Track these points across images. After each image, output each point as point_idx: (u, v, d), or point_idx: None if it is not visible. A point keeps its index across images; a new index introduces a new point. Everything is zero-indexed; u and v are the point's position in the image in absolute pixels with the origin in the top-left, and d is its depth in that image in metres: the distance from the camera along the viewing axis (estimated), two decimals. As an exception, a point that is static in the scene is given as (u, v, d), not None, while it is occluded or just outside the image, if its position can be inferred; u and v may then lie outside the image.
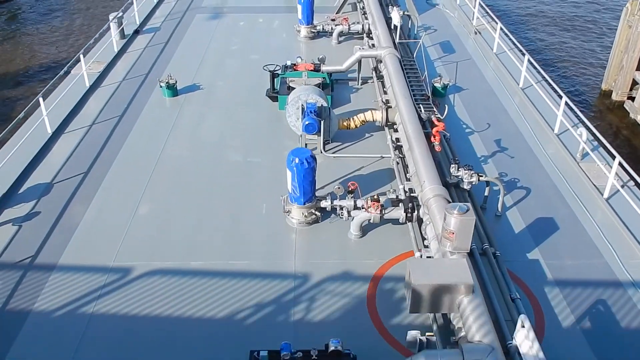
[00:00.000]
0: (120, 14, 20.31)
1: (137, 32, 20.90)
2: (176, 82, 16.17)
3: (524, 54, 17.28)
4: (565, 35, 33.91)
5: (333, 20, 20.19)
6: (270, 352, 7.78)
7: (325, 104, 13.51)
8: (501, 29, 19.00)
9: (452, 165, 11.34)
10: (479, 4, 21.35)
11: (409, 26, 20.50)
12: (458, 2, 23.84)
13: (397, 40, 17.51)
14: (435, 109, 14.09)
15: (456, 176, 11.23)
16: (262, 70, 16.64)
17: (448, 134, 13.14)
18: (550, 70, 28.55)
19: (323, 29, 20.01)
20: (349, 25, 19.63)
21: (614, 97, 26.37)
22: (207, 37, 20.51)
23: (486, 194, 11.62)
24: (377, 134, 14.34)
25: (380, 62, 16.27)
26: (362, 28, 19.66)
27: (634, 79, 25.50)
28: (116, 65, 18.37)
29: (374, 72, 16.92)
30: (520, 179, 12.81)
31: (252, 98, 16.15)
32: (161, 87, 16.05)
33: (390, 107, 14.13)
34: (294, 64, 16.38)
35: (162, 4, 23.85)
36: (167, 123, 14.97)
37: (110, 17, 20.03)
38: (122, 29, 20.24)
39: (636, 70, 25.21)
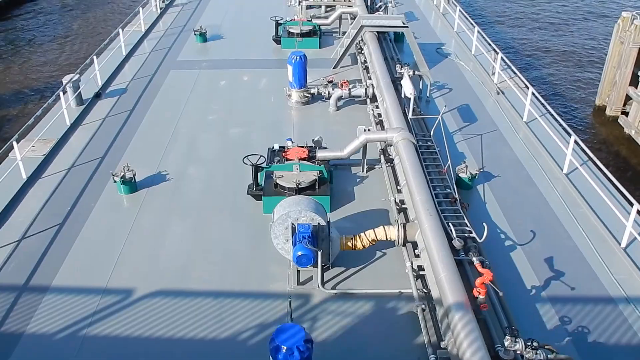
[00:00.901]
0: (77, 76, 17.02)
1: (98, 95, 17.62)
2: (134, 175, 12.81)
3: (569, 135, 13.99)
4: (559, 54, 34.44)
5: (330, 82, 16.91)
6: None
7: (323, 222, 10.15)
8: (532, 93, 15.80)
9: (506, 338, 7.97)
10: (501, 58, 18.17)
11: (420, 86, 17.28)
12: (473, 51, 20.70)
13: (410, 115, 14.28)
14: (467, 222, 10.81)
15: (514, 351, 7.88)
16: (242, 154, 13.49)
17: (501, 292, 9.39)
18: (547, 95, 28.84)
19: (318, 92, 16.74)
20: (349, 89, 16.35)
21: (608, 112, 26.71)
22: (181, 101, 17.21)
23: None
24: (393, 253, 10.99)
25: (391, 145, 13.02)
26: (365, 92, 16.40)
27: (627, 94, 25.76)
28: (66, 144, 15.05)
29: (382, 155, 13.68)
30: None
31: (230, 196, 12.75)
32: (115, 182, 12.70)
33: (407, 222, 10.86)
34: (283, 149, 13.13)
35: (131, 58, 20.62)
36: (121, 233, 11.63)
37: (65, 81, 16.76)
38: (80, 93, 16.99)
39: (629, 85, 25.48)
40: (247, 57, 20.55)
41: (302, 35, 21.11)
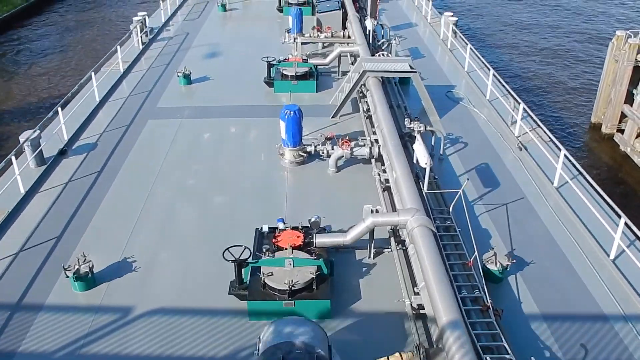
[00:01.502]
0: (37, 131, 14.79)
1: (62, 153, 15.38)
2: (91, 268, 10.50)
3: (615, 212, 11.92)
4: (553, 68, 35.31)
5: (329, 138, 14.67)
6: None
7: (323, 352, 7.85)
8: (564, 155, 13.62)
9: None
10: (523, 108, 16.02)
11: (432, 142, 15.10)
12: (488, 96, 18.58)
13: (425, 189, 12.05)
14: (504, 338, 8.54)
15: None
16: (226, 234, 11.32)
17: None
18: (540, 102, 30.21)
19: (315, 149, 14.52)
20: (351, 149, 14.12)
21: (604, 129, 27.19)
22: (158, 159, 14.96)
23: None
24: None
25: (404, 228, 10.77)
26: (370, 151, 14.18)
27: (622, 112, 26.08)
28: (18, 217, 12.76)
29: (392, 237, 11.44)
30: None
31: (208, 294, 10.34)
32: (67, 277, 10.40)
33: (430, 342, 8.59)
34: (274, 231, 10.90)
35: (106, 104, 18.41)
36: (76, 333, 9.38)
37: (22, 139, 14.53)
38: (41, 151, 14.76)
39: (624, 103, 25.80)
40: (235, 103, 18.35)
41: (297, 77, 18.98)
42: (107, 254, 11.28)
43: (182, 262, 11.19)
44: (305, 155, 14.56)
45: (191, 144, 15.81)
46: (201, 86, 19.67)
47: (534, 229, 12.37)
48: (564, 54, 37.86)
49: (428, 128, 14.69)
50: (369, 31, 21.43)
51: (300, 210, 12.51)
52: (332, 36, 22.93)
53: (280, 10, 28.61)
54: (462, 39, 23.79)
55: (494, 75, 18.36)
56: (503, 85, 18.68)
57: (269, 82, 19.32)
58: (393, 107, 16.90)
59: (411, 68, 16.94)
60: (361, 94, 17.71)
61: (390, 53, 21.13)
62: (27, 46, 39.04)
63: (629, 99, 25.78)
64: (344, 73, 20.39)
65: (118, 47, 20.73)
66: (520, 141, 15.75)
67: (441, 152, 15.04)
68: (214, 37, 25.04)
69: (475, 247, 10.50)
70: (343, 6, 25.62)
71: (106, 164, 14.87)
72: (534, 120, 16.28)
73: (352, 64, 20.64)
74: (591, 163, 25.45)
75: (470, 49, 20.88)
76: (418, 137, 12.71)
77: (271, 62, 19.35)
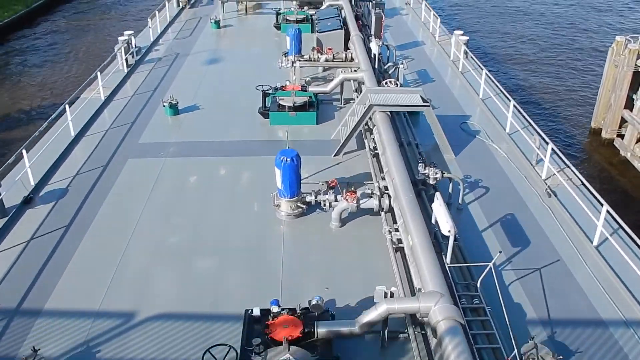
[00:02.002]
0: (-4, 180, 12.94)
1: (28, 201, 13.47)
2: (43, 365, 8.63)
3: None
4: (553, 75, 35.41)
5: (331, 187, 12.70)
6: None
7: None
8: (607, 210, 11.70)
9: None
10: (552, 150, 14.11)
11: (450, 189, 13.18)
12: (507, 129, 16.71)
13: (448, 261, 10.13)
14: None
15: None
16: (209, 315, 9.48)
17: None
18: (540, 111, 30.21)
19: (316, 199, 12.60)
20: (357, 201, 12.18)
21: (604, 134, 27.27)
22: (135, 210, 13.04)
23: None
24: None
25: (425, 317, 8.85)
26: (379, 204, 12.23)
27: (622, 117, 26.14)
28: None
29: (411, 326, 9.51)
30: None
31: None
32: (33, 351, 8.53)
33: None
34: (267, 315, 9.00)
35: (81, 139, 16.52)
36: None
37: (-21, 188, 12.67)
38: (1, 200, 12.86)
39: (624, 108, 25.84)
40: (226, 138, 16.45)
41: (296, 108, 17.10)
42: (65, 343, 9.37)
43: (155, 353, 9.27)
44: (304, 207, 12.64)
45: (175, 189, 13.89)
46: (189, 117, 17.78)
47: (575, 302, 10.47)
48: (563, 59, 37.96)
49: (445, 175, 12.79)
50: (374, 55, 19.57)
51: (299, 282, 10.62)
52: (333, 58, 21.11)
53: (278, 28, 26.78)
54: (474, 60, 21.95)
55: (514, 106, 16.47)
56: (523, 116, 16.83)
57: (264, 112, 17.45)
58: (403, 145, 15.05)
59: (423, 101, 15.08)
60: (367, 128, 15.83)
61: (398, 78, 19.30)
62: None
63: (629, 104, 25.78)
64: (347, 101, 18.65)
65: (98, 73, 18.82)
66: (548, 186, 13.85)
67: (460, 201, 13.13)
68: (205, 58, 23.18)
69: (512, 336, 8.57)
70: (345, 24, 23.80)
71: (77, 214, 12.96)
72: (562, 160, 14.42)
73: (356, 90, 18.84)
74: (591, 168, 25.80)
75: (486, 74, 19.01)
76: (438, 197, 10.74)
77: (267, 92, 17.47)
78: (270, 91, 17.56)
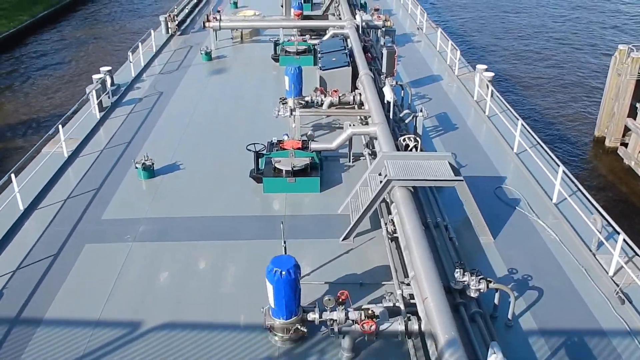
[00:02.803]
0: None
1: (-52, 312, 10.50)
2: None
3: None
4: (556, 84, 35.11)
5: (341, 301, 9.53)
6: None
7: None
8: None
9: None
10: (623, 239, 11.05)
11: (496, 300, 10.09)
12: (555, 198, 13.66)
13: None
14: None
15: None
16: None
17: None
18: (543, 117, 30.43)
19: (320, 318, 9.48)
20: (376, 326, 9.05)
21: (607, 143, 27.12)
22: (83, 332, 9.98)
23: None
24: None
25: None
26: (406, 329, 9.08)
27: (625, 126, 26.09)
28: None
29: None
30: None
31: None
32: None
33: None
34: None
35: (29, 217, 13.47)
36: None
37: None
38: None
39: (627, 117, 25.75)
40: (209, 212, 13.42)
41: (295, 173, 14.07)
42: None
43: None
44: (304, 330, 9.56)
45: (138, 294, 10.82)
46: (166, 182, 14.76)
47: None
48: (566, 66, 37.85)
49: (492, 285, 9.72)
50: (387, 102, 16.57)
51: None
52: (339, 101, 18.19)
53: (276, 59, 23.81)
54: (501, 101, 18.97)
55: (564, 172, 13.43)
56: (573, 182, 13.79)
57: (258, 176, 14.46)
58: (429, 227, 12.04)
59: (454, 170, 12.05)
60: (382, 201, 12.78)
61: (416, 128, 16.31)
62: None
63: (632, 113, 25.65)
64: (357, 157, 15.66)
65: (60, 127, 15.82)
66: (620, 289, 10.77)
67: (510, 316, 10.05)
68: (192, 98, 20.20)
69: None
70: (352, 57, 20.87)
71: (8, 334, 9.93)
72: (632, 248, 11.36)
73: (367, 145, 15.86)
74: (595, 177, 25.68)
75: (522, 125, 15.98)
76: (495, 351, 7.63)
77: (260, 152, 14.47)
78: (264, 151, 14.56)
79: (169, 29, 28.03)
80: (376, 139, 14.92)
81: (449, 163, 12.38)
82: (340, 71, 19.16)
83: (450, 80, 22.32)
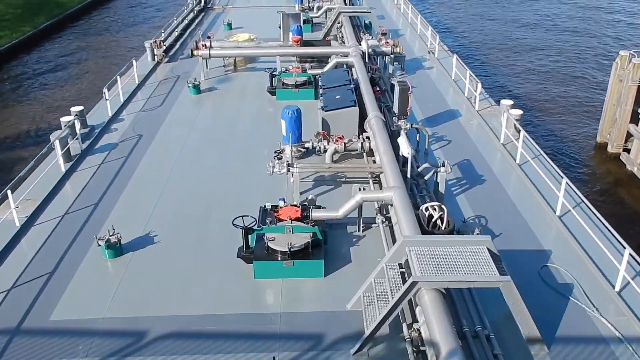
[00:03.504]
0: None
1: None
2: None
3: None
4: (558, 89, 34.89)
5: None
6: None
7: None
8: None
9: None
10: None
11: None
12: (617, 286, 10.95)
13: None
14: None
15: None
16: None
17: None
18: (545, 123, 30.24)
19: None
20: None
21: (610, 149, 27.01)
22: None
23: None
24: None
25: None
26: None
27: (628, 131, 25.99)
28: None
29: None
30: None
31: None
32: None
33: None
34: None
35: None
36: None
37: None
38: None
39: (630, 123, 25.72)
40: (187, 310, 10.68)
41: (293, 254, 11.34)
42: None
43: None
44: None
45: None
46: (135, 262, 12.03)
47: None
48: (567, 73, 37.36)
49: None
50: (402, 155, 13.90)
51: None
52: (344, 149, 15.60)
53: (272, 92, 21.18)
54: (533, 145, 16.34)
55: (630, 254, 10.72)
56: (633, 258, 11.09)
57: (247, 256, 11.76)
58: (466, 338, 9.34)
59: (494, 261, 9.36)
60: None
61: (438, 184, 13.67)
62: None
63: (635, 119, 25.70)
64: (368, 225, 12.98)
65: (9, 192, 13.15)
66: None
67: None
68: (175, 143, 17.54)
69: None
70: (357, 88, 18.29)
71: None
72: None
73: (381, 211, 13.15)
74: (597, 183, 25.40)
75: (567, 183, 13.29)
76: None
77: (250, 226, 11.76)
78: (254, 225, 11.85)
79: (155, 56, 25.44)
80: (391, 205, 12.27)
81: (488, 249, 9.71)
82: (346, 112, 16.52)
83: (470, 115, 19.66)
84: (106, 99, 19.37)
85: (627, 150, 26.15)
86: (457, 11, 53.69)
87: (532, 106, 32.24)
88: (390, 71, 23.38)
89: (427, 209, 11.81)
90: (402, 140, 13.72)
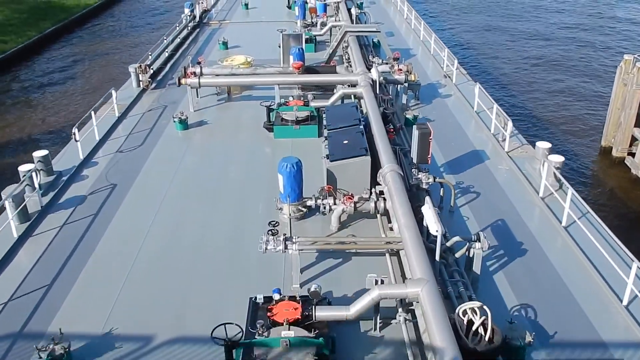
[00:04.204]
0: None
1: None
2: None
3: None
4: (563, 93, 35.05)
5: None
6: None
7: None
8: None
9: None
10: None
11: None
12: None
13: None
14: None
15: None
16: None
17: None
18: (550, 129, 30.23)
19: None
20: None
21: (614, 153, 26.93)
22: None
23: None
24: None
25: None
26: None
27: (632, 135, 26.06)
28: None
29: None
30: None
31: None
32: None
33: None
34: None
35: None
36: None
37: None
38: None
39: (634, 126, 25.78)
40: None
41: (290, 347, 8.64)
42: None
43: None
44: None
45: None
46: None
47: None
48: (571, 78, 37.29)
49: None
50: (426, 225, 11.17)
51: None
52: (354, 210, 12.95)
53: (270, 129, 18.48)
54: (577, 199, 13.65)
55: None
56: None
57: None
58: None
59: None
60: None
61: (472, 261, 10.99)
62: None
63: (639, 122, 25.68)
64: (386, 321, 10.26)
65: None
66: None
67: None
68: (153, 198, 14.79)
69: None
70: (367, 128, 15.69)
71: None
72: None
73: (402, 304, 10.42)
74: (602, 187, 25.53)
75: (638, 267, 10.54)
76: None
77: (234, 342, 9.01)
78: (239, 339, 9.10)
79: (140, 82, 22.82)
80: (417, 302, 9.58)
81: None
82: (356, 163, 13.81)
83: (498, 158, 16.93)
84: (76, 140, 16.68)
85: (632, 154, 26.05)
86: (450, 16, 53.79)
87: (534, 108, 32.60)
88: (404, 101, 20.70)
89: (465, 312, 9.09)
90: (429, 213, 10.96)
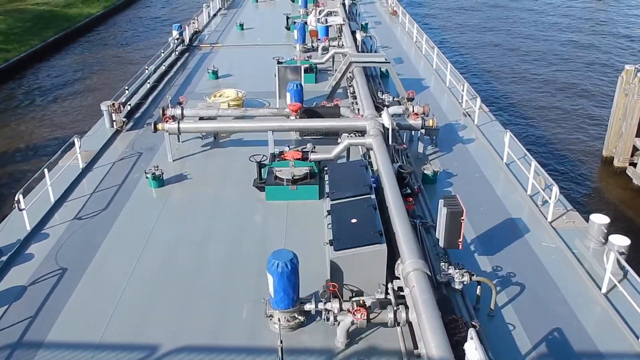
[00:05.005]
0: None
1: None
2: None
3: None
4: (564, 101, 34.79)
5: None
6: None
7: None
8: None
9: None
10: None
11: None
12: None
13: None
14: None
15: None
16: None
17: None
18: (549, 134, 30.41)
19: None
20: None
21: (616, 163, 26.85)
22: None
23: None
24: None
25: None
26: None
27: (634, 146, 26.00)
28: None
29: None
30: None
31: None
32: None
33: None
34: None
35: None
36: None
37: None
38: None
39: (636, 136, 25.73)
40: None
41: None
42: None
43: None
44: None
45: None
46: None
47: None
48: (572, 87, 37.08)
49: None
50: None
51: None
52: (367, 322, 9.87)
53: (261, 188, 15.33)
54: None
55: None
56: None
57: None
58: None
59: None
60: None
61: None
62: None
63: None
64: None
65: None
66: None
67: None
68: (108, 295, 11.69)
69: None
70: (377, 194, 12.68)
71: None
72: None
73: None
74: (603, 197, 25.36)
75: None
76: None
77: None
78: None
79: (114, 123, 19.76)
80: None
81: None
82: (368, 254, 10.69)
83: (541, 230, 13.79)
84: (20, 209, 13.53)
85: (634, 165, 26.00)
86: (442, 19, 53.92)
87: (534, 118, 32.23)
88: (420, 149, 17.63)
89: None
90: (472, 351, 7.83)
